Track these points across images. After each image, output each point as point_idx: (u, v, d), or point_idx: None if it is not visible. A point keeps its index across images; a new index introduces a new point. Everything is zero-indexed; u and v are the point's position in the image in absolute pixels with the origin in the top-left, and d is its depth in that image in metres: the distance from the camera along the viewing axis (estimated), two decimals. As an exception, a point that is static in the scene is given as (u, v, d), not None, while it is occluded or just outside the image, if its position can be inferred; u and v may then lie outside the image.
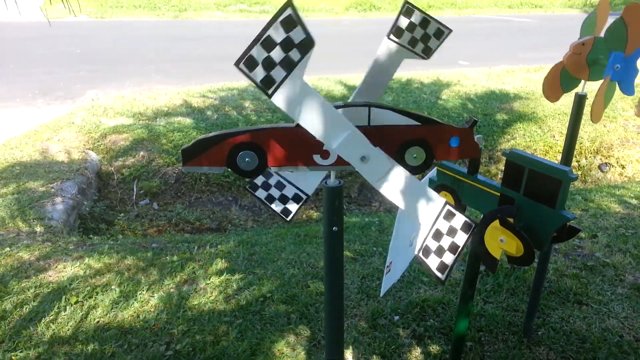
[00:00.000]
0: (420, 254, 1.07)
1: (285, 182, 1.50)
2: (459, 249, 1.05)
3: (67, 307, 2.56)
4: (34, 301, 2.61)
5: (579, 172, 5.57)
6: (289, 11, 0.86)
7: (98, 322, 2.48)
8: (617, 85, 1.84)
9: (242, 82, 7.11)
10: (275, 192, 1.51)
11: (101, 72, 8.25)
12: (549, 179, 1.24)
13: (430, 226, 1.07)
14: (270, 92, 0.92)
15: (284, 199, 1.49)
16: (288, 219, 1.49)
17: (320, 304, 2.61)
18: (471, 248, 1.53)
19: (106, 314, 2.53)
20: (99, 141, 5.09)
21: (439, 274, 1.06)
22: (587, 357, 2.26)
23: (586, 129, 5.82)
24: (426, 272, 1.08)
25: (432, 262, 1.06)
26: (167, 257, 3.09)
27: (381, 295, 2.66)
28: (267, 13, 15.47)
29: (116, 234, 4.10)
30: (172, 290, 2.74)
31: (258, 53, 0.89)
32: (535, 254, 1.24)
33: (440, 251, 1.06)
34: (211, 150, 1.20)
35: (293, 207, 1.50)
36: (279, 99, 0.93)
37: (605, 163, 5.70)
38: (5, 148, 4.84)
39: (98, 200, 4.50)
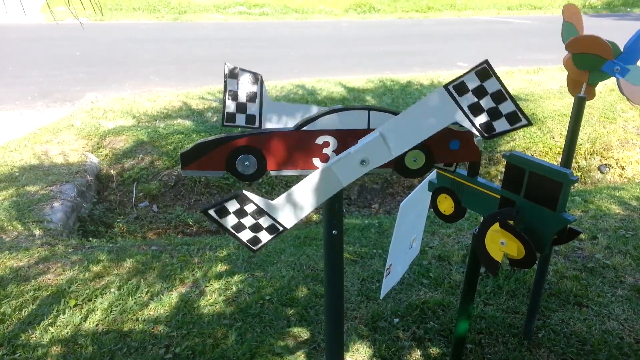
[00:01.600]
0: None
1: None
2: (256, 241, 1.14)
3: (66, 310, 2.55)
4: (32, 304, 2.60)
5: (579, 174, 5.57)
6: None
7: (97, 325, 2.47)
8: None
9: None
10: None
11: (101, 74, 8.25)
12: (550, 182, 1.23)
13: (268, 206, 1.12)
14: (448, 88, 1.00)
15: None
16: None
17: (320, 307, 2.60)
18: (472, 251, 1.53)
19: (105, 317, 2.52)
20: (98, 144, 5.09)
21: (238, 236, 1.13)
22: (588, 359, 2.25)
23: (585, 130, 5.82)
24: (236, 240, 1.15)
25: (244, 235, 1.14)
26: (167, 260, 3.08)
27: (381, 297, 2.64)
28: (267, 15, 15.48)
29: (115, 236, 4.10)
30: (171, 293, 2.74)
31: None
32: (536, 256, 1.24)
33: (257, 228, 1.13)
34: (210, 155, 1.19)
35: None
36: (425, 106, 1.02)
37: (605, 164, 5.70)
38: (5, 151, 4.83)
39: (97, 203, 4.50)
